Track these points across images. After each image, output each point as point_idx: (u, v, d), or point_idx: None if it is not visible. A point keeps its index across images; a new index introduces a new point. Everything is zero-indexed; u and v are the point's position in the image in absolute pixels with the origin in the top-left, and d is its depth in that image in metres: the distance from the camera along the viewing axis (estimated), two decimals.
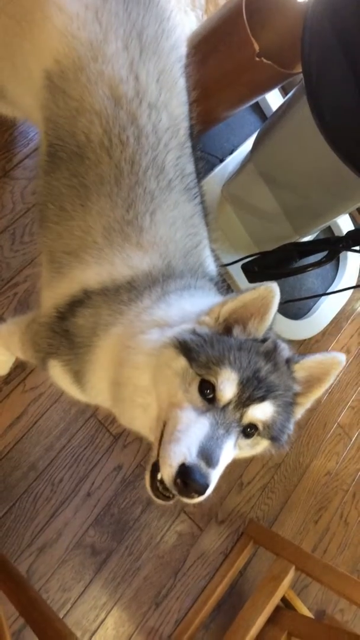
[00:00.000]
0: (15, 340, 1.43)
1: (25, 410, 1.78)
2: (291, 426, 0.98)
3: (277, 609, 1.85)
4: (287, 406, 0.96)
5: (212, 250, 1.24)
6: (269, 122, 1.98)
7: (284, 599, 1.94)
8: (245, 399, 0.89)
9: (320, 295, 2.12)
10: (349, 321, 2.63)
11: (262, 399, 0.91)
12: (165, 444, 0.88)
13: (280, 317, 2.32)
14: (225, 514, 2.13)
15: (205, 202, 1.25)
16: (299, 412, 1.01)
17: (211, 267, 1.21)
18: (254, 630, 1.76)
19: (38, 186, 1.25)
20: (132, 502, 1.93)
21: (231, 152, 2.26)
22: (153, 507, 1.97)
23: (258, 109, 2.41)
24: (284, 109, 1.88)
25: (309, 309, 2.47)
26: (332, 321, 2.53)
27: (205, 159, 2.19)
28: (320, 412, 2.51)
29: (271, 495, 2.27)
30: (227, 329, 0.95)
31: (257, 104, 2.40)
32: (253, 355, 0.91)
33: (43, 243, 1.23)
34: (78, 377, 1.14)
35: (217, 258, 1.26)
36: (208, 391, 0.90)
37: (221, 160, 2.23)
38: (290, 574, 1.85)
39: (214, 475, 0.85)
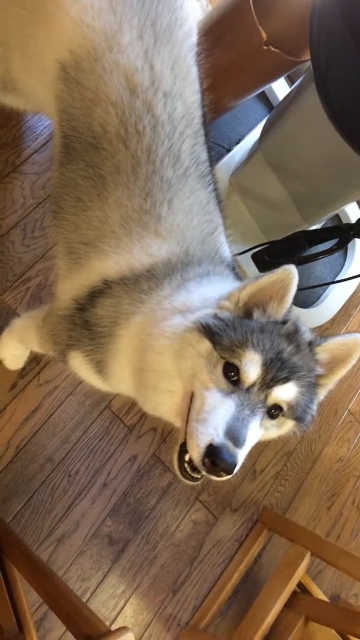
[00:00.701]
0: (32, 334, 1.44)
1: (40, 403, 1.79)
2: (315, 407, 1.00)
3: (294, 594, 1.87)
4: (311, 387, 0.98)
5: (227, 236, 1.25)
6: (276, 111, 1.97)
7: (300, 585, 1.96)
8: (269, 380, 0.92)
9: (330, 284, 2.13)
10: (358, 308, 2.63)
11: (285, 379, 0.93)
12: (192, 423, 0.90)
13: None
14: (239, 502, 2.15)
15: (218, 189, 1.26)
16: (322, 393, 1.03)
17: (227, 253, 1.22)
18: (272, 615, 1.77)
19: (53, 178, 1.25)
20: (148, 492, 1.95)
21: (238, 142, 2.26)
22: (168, 497, 1.99)
23: (264, 98, 2.41)
24: (291, 97, 1.88)
25: (318, 297, 2.47)
26: (341, 309, 2.53)
27: (214, 149, 2.19)
28: (330, 399, 2.52)
29: (284, 482, 2.29)
30: (247, 313, 0.97)
31: (263, 93, 2.40)
32: (275, 337, 0.93)
33: (59, 234, 1.23)
34: (100, 366, 1.16)
35: (231, 244, 1.27)
36: (232, 373, 0.92)
37: (228, 150, 2.23)
38: (306, 560, 1.86)
39: (241, 455, 0.88)
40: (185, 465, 0.95)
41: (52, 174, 1.27)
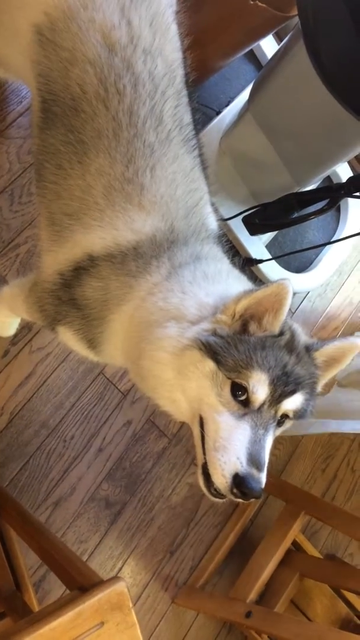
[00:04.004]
0: (19, 303, 1.43)
1: (33, 370, 1.80)
2: (314, 402, 1.03)
3: (289, 552, 1.90)
4: (312, 388, 1.01)
5: (213, 204, 1.22)
6: (265, 70, 1.93)
7: (295, 543, 2.00)
8: (277, 396, 0.93)
9: (323, 245, 2.10)
10: (351, 273, 2.62)
11: (293, 392, 0.95)
12: (211, 452, 0.92)
13: (283, 270, 2.32)
14: None
15: (204, 155, 1.24)
16: (319, 388, 1.06)
17: (213, 224, 1.20)
18: (267, 572, 1.81)
19: (33, 144, 1.23)
20: (143, 456, 1.97)
21: (228, 104, 2.22)
22: (164, 461, 2.01)
23: (253, 59, 2.36)
24: (280, 55, 1.84)
25: (311, 262, 2.46)
26: (334, 273, 2.52)
27: (202, 112, 2.15)
28: None
29: (279, 446, 2.31)
30: (243, 325, 0.97)
31: (252, 53, 2.35)
32: (276, 351, 0.94)
33: (41, 204, 1.21)
34: (92, 344, 1.16)
35: (216, 211, 1.25)
36: (240, 392, 0.93)
37: (218, 113, 2.20)
38: (301, 518, 1.88)
39: (264, 476, 0.90)
40: (213, 488, 0.95)
41: (32, 141, 1.24)
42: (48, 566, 1.13)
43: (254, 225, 1.87)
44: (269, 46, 2.32)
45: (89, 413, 1.88)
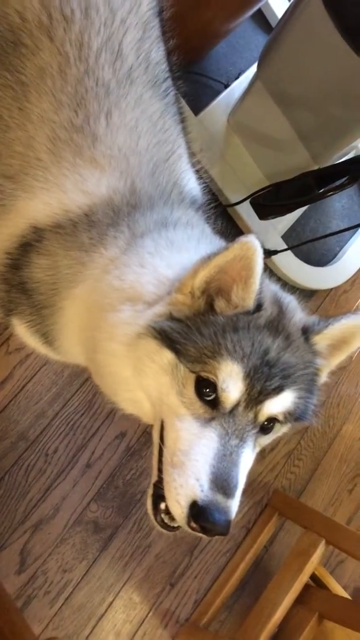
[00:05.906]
0: None
1: (10, 373, 1.62)
2: (316, 399, 0.82)
3: (307, 588, 1.67)
4: (309, 382, 0.79)
5: (192, 164, 1.01)
6: (276, 31, 1.70)
7: (314, 577, 1.74)
8: (256, 395, 0.73)
9: (348, 229, 1.82)
10: None
11: (278, 389, 0.74)
12: (167, 468, 0.73)
13: (302, 264, 2.06)
14: (247, 484, 1.91)
15: (182, 104, 1.02)
16: (323, 378, 0.84)
17: (191, 184, 0.99)
18: (280, 612, 1.57)
19: None
20: (139, 473, 1.75)
21: (237, 77, 2.00)
22: None
23: (266, 27, 2.13)
24: (290, 11, 1.61)
25: (335, 255, 2.20)
26: None
27: (208, 85, 1.94)
28: (351, 370, 2.26)
29: (298, 462, 2.05)
30: (208, 302, 0.76)
31: (265, 21, 2.12)
32: (254, 333, 0.74)
33: None
34: (47, 339, 0.98)
35: (201, 173, 1.03)
36: (207, 390, 0.74)
37: (226, 86, 1.98)
38: (320, 549, 1.65)
39: (235, 503, 0.70)
40: (163, 515, 0.76)
41: None
42: None
43: (264, 208, 1.63)
44: (280, 8, 2.07)
45: (76, 423, 1.68)
